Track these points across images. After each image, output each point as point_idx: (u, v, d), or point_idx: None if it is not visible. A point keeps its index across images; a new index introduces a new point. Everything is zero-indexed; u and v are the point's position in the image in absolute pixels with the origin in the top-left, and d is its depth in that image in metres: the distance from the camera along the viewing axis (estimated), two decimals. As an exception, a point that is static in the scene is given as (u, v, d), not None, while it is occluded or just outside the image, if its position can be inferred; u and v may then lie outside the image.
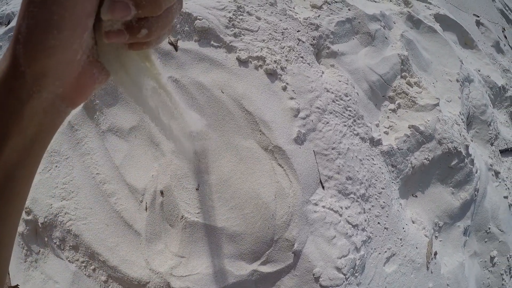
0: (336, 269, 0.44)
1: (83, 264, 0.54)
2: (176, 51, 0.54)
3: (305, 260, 0.44)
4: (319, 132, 0.50)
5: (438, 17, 1.35)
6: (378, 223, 0.55)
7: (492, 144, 0.99)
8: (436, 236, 0.74)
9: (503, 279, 0.91)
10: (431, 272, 0.66)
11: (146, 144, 0.55)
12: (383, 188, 0.57)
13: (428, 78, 0.89)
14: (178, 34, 0.56)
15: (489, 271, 0.91)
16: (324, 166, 0.48)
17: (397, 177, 0.64)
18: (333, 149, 0.49)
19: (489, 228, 0.89)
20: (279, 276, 0.47)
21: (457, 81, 0.91)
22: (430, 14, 1.33)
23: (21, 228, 0.60)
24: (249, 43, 0.54)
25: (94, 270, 0.54)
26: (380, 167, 0.58)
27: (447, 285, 0.71)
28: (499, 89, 1.27)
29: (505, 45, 1.86)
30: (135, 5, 0.17)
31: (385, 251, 0.56)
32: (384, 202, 0.57)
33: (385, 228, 0.56)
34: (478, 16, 1.82)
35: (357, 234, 0.48)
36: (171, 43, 0.54)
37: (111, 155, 0.56)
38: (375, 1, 1.10)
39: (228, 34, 0.54)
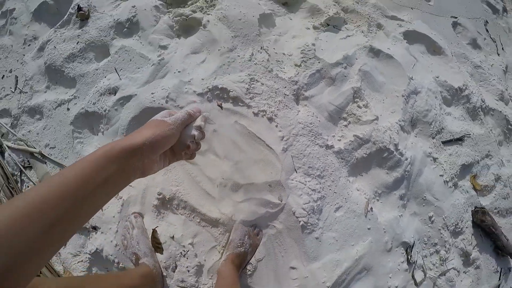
0: (302, 209, 0.97)
1: (188, 215, 1.12)
2: (222, 109, 1.08)
3: (288, 205, 0.98)
4: (294, 146, 1.02)
5: (407, 34, 1.68)
6: (330, 189, 1.07)
7: (433, 138, 1.41)
8: (377, 199, 1.22)
9: (441, 233, 1.22)
10: (369, 219, 1.14)
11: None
12: (333, 171, 1.08)
13: (379, 97, 1.33)
14: (222, 100, 1.10)
15: (429, 226, 1.22)
16: (296, 162, 1.00)
17: (346, 165, 1.14)
18: (300, 153, 1.01)
19: (425, 197, 1.27)
20: (278, 213, 1.01)
21: (402, 96, 1.34)
22: (399, 33, 1.67)
23: (155, 202, 1.16)
24: (258, 102, 1.07)
25: (193, 217, 1.12)
26: (331, 160, 1.09)
27: (383, 228, 1.18)
28: (456, 90, 1.62)
29: (485, 39, 2.06)
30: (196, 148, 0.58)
31: (335, 204, 1.07)
32: (333, 179, 1.08)
33: (334, 192, 1.07)
34: (456, 17, 2.03)
35: (314, 194, 1.00)
36: (219, 105, 1.09)
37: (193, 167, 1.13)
38: (348, 36, 1.51)
39: (247, 98, 1.07)
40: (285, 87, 1.12)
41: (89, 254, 1.09)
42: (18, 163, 1.42)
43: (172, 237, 1.05)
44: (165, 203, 1.11)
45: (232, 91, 1.07)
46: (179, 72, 1.15)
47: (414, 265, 1.23)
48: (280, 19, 1.37)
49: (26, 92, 1.60)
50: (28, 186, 1.41)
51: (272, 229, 1.01)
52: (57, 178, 0.36)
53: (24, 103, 1.56)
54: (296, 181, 1.00)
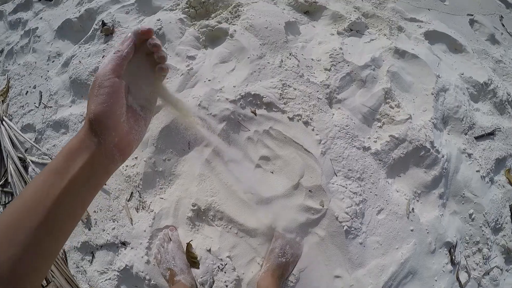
0: (345, 213, 0.95)
1: (224, 226, 1.09)
2: (256, 115, 1.08)
3: (330, 210, 0.96)
4: (332, 149, 1.00)
5: (428, 34, 1.70)
6: (370, 192, 1.04)
7: (466, 134, 1.37)
8: (417, 200, 1.18)
9: (482, 230, 1.20)
10: (411, 220, 1.11)
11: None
12: (372, 173, 1.06)
13: (409, 97, 1.31)
14: (255, 106, 1.10)
15: (470, 224, 1.19)
16: (335, 165, 0.99)
17: (384, 166, 1.12)
18: (339, 156, 1.00)
19: (464, 194, 1.25)
20: (320, 219, 0.99)
21: (432, 94, 1.32)
22: (420, 34, 1.69)
23: (189, 214, 1.04)
24: (292, 107, 1.06)
25: (230, 228, 1.09)
26: (370, 162, 1.07)
27: (426, 229, 1.14)
28: (482, 85, 1.59)
29: (502, 33, 2.05)
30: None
31: (377, 207, 1.05)
32: (373, 180, 1.05)
33: (375, 194, 1.05)
34: (472, 15, 2.02)
35: (356, 197, 0.98)
36: (252, 112, 1.09)
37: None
38: (372, 40, 1.52)
39: (281, 103, 1.07)
40: (318, 91, 1.12)
41: (117, 271, 1.04)
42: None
43: (209, 250, 1.02)
44: (200, 215, 1.08)
45: (265, 97, 1.08)
46: (209, 80, 1.17)
47: (458, 266, 1.19)
48: (304, 27, 1.39)
49: (51, 107, 1.57)
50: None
51: (314, 236, 0.99)
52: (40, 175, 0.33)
53: (48, 118, 1.53)
54: (337, 184, 0.98)
